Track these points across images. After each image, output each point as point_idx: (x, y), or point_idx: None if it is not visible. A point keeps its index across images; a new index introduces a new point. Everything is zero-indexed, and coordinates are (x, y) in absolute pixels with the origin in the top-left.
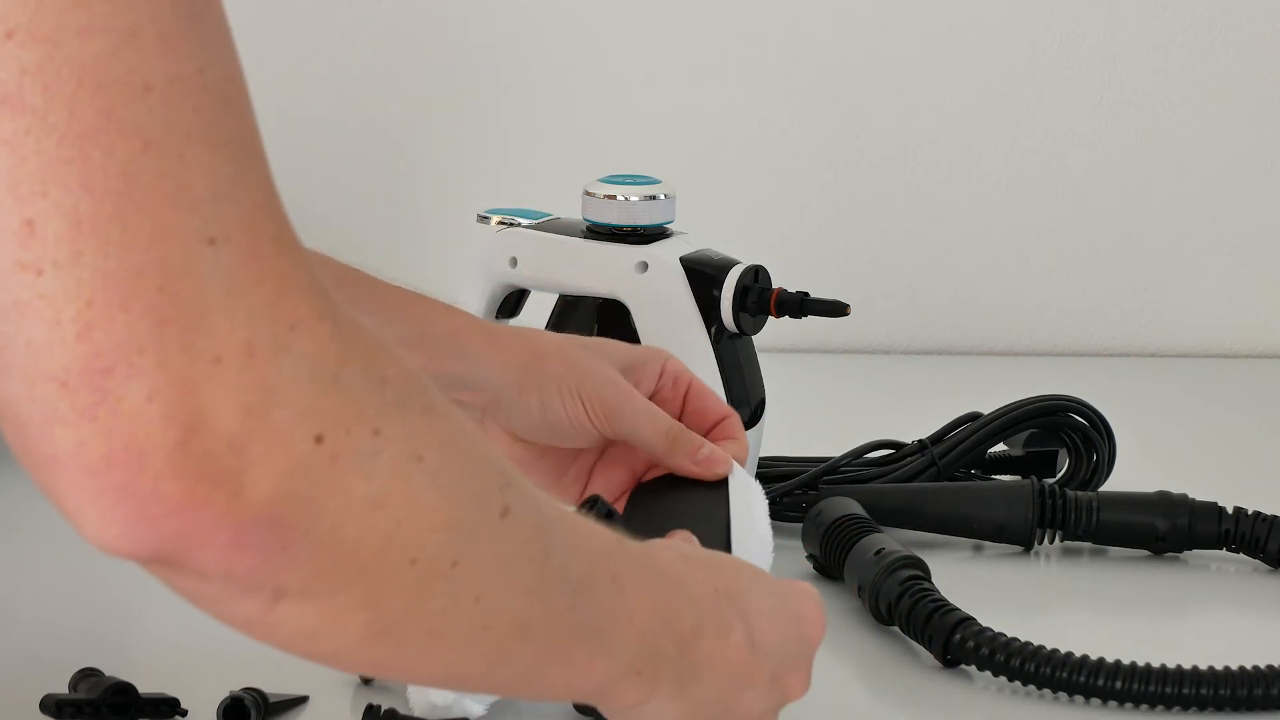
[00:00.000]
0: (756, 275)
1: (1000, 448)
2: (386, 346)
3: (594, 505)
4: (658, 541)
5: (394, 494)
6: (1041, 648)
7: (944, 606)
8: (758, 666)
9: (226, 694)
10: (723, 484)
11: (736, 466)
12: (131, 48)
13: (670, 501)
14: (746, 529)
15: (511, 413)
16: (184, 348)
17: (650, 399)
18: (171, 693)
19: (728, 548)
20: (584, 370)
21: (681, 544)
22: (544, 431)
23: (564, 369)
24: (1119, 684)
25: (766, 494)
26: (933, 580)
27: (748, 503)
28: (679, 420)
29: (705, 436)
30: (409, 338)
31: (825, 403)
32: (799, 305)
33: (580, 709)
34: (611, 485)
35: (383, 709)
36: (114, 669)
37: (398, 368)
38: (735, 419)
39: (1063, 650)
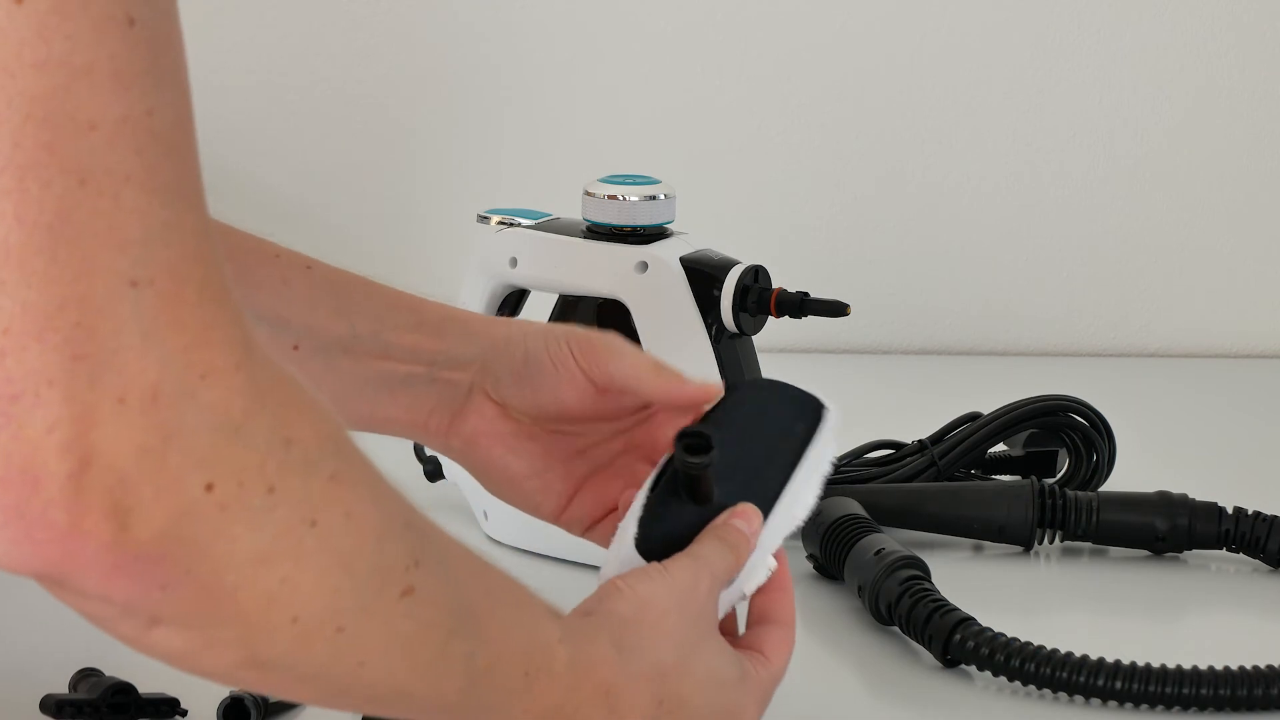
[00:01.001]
0: (756, 275)
1: (1000, 448)
2: (307, 406)
3: (694, 435)
4: (631, 625)
5: (281, 552)
6: (1041, 648)
7: (944, 606)
8: None
9: (226, 694)
10: (815, 425)
11: (831, 422)
12: (84, 85)
13: (758, 417)
14: (804, 485)
15: (498, 371)
16: (91, 384)
17: None
18: (171, 693)
19: (779, 491)
20: (571, 326)
21: (672, 617)
22: (529, 386)
23: (553, 325)
24: (1119, 684)
25: None
26: (933, 580)
27: (820, 458)
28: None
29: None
30: (406, 323)
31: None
32: (799, 305)
33: None
34: (602, 500)
35: None
36: (114, 669)
37: (312, 430)
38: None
39: (1063, 650)
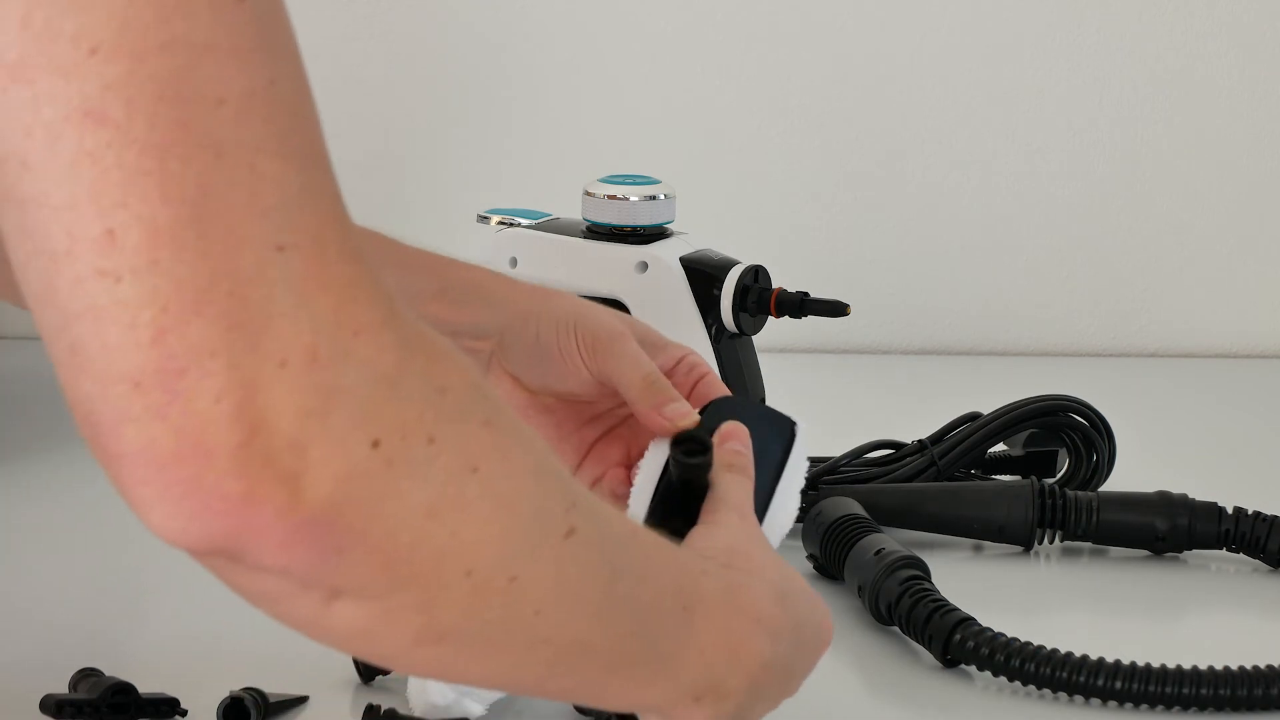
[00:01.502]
0: (756, 275)
1: (1000, 448)
2: (450, 355)
3: (691, 440)
4: (750, 562)
5: (448, 503)
6: (1041, 648)
7: (944, 606)
8: (789, 672)
9: (226, 694)
10: (790, 441)
11: (803, 434)
12: (208, 63)
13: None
14: (786, 495)
15: (512, 347)
16: (251, 351)
17: None
18: (171, 693)
19: (766, 503)
20: (585, 309)
21: (771, 571)
22: (538, 367)
23: (568, 305)
24: (1119, 684)
25: None
26: (933, 580)
27: (796, 472)
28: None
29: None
30: (429, 290)
31: (825, 403)
32: (799, 305)
33: (580, 710)
34: (605, 461)
35: (383, 709)
36: (114, 669)
37: (460, 377)
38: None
39: (1063, 650)
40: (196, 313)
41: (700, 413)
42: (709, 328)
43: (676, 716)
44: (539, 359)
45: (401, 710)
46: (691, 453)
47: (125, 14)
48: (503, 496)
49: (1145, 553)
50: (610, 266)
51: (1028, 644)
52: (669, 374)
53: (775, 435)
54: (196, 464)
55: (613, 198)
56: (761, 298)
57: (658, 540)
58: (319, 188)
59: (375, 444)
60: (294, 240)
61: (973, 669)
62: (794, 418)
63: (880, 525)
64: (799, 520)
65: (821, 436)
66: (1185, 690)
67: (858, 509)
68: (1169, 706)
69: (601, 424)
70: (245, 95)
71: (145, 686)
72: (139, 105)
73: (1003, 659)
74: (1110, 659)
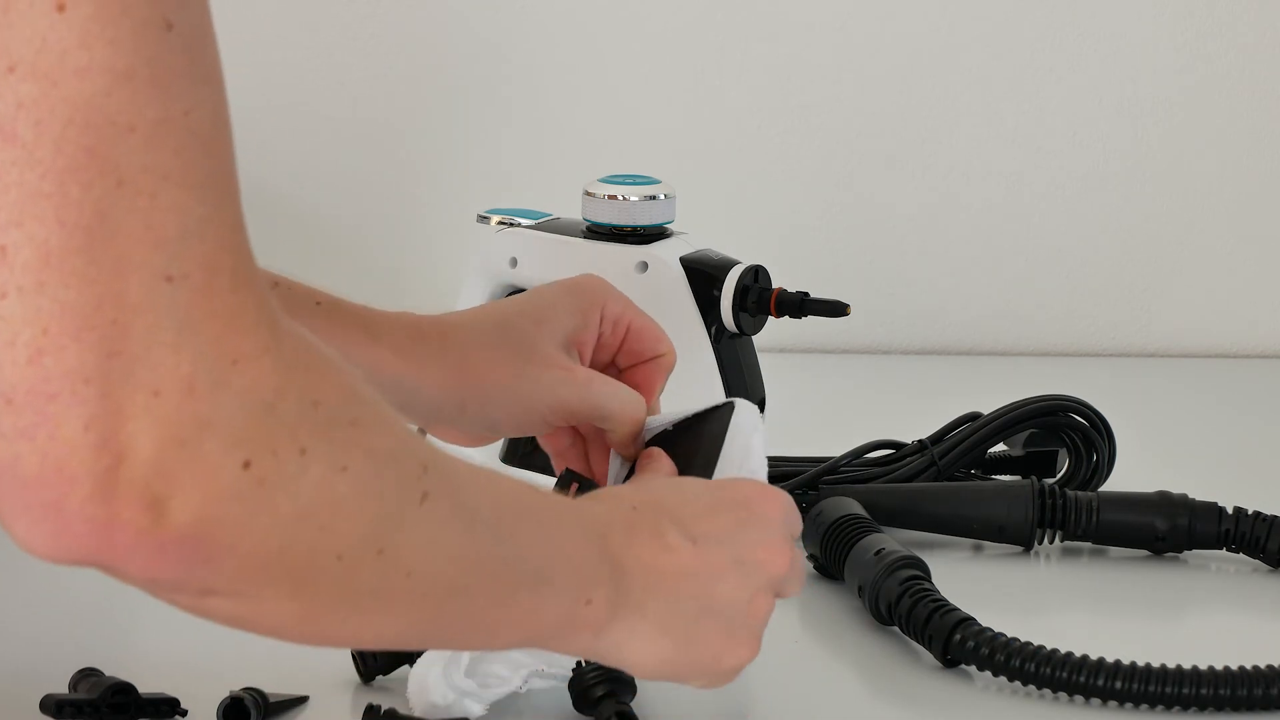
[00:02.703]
0: (756, 275)
1: (1000, 448)
2: (326, 366)
3: (571, 480)
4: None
5: (320, 505)
6: (1041, 648)
7: (944, 606)
8: (712, 557)
9: (226, 694)
10: (725, 423)
11: (743, 406)
12: (125, 90)
13: (681, 440)
14: (733, 468)
15: (456, 423)
16: (125, 380)
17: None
18: (171, 693)
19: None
20: (525, 389)
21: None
22: (491, 436)
23: (506, 387)
24: (1119, 684)
25: None
26: (933, 580)
27: (746, 446)
28: (614, 356)
29: (636, 369)
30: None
31: (825, 403)
32: (799, 305)
33: (580, 710)
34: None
35: (383, 709)
36: (114, 669)
37: (332, 386)
38: (665, 361)
39: (1063, 650)
40: (76, 338)
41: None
42: (709, 328)
43: (583, 631)
44: (483, 424)
45: (401, 710)
46: (563, 484)
47: (46, 36)
48: (368, 484)
49: (1145, 553)
50: (610, 266)
51: (1028, 644)
52: (598, 341)
53: (720, 419)
54: (59, 488)
55: (613, 198)
56: (761, 298)
57: (497, 474)
58: (220, 218)
59: (246, 465)
60: (185, 270)
61: (973, 669)
62: (735, 399)
63: (880, 525)
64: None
65: (821, 436)
66: (1185, 690)
67: (858, 509)
68: (1169, 706)
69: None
70: (157, 123)
71: (145, 686)
72: (47, 127)
73: (1003, 659)
74: (1110, 659)
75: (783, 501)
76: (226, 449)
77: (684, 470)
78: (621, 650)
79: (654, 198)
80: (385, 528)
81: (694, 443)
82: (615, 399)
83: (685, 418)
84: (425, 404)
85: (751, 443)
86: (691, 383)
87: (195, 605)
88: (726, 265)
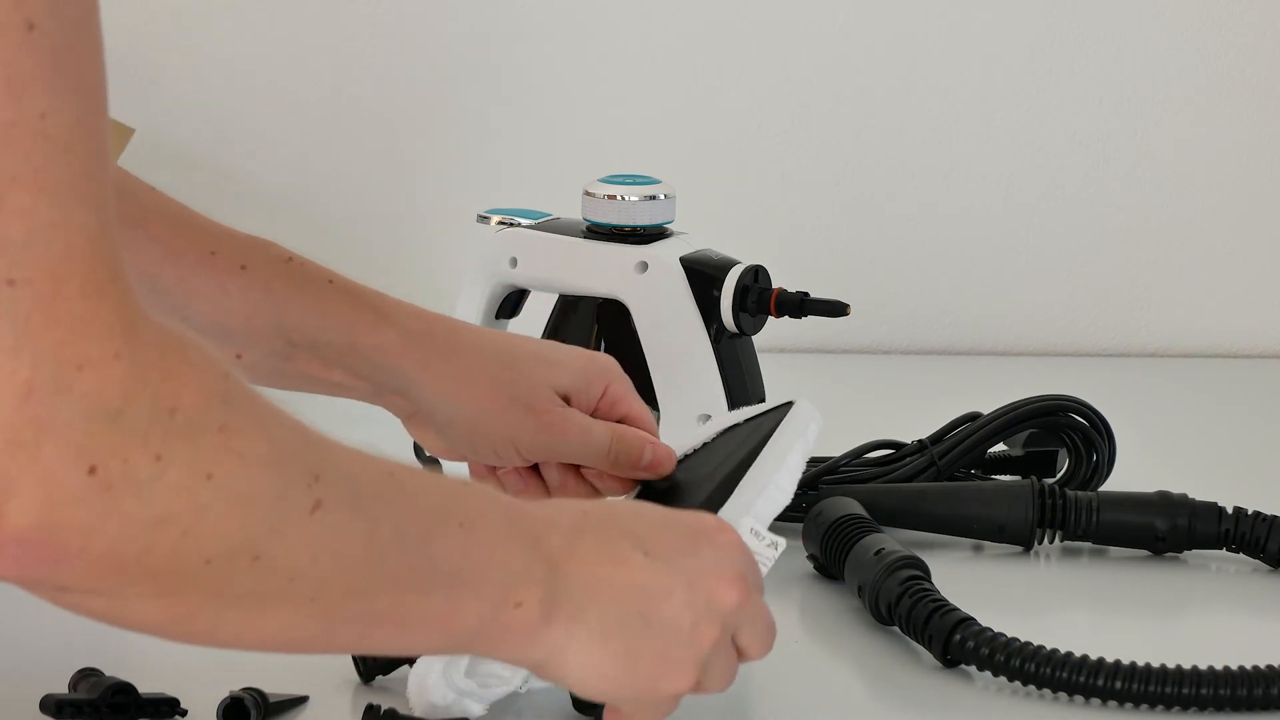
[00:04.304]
0: (756, 275)
1: (1000, 448)
2: (188, 372)
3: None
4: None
5: (178, 511)
6: (1041, 648)
7: (944, 606)
8: (662, 574)
9: (226, 694)
10: (774, 426)
11: (801, 412)
12: None
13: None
14: (771, 465)
15: (441, 435)
16: None
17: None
18: (171, 693)
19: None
20: (516, 419)
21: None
22: (461, 445)
23: (498, 417)
24: (1119, 684)
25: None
26: (933, 580)
27: (789, 441)
28: None
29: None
30: (339, 344)
31: (825, 403)
32: (799, 305)
33: (579, 709)
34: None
35: (383, 709)
36: (114, 669)
37: (195, 391)
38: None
39: (1063, 650)
40: None
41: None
42: (709, 328)
43: (514, 633)
44: (473, 452)
45: (401, 710)
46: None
47: None
48: (239, 493)
49: (1145, 553)
50: (610, 266)
51: (1028, 644)
52: (597, 408)
53: (768, 419)
54: None
55: (613, 198)
56: (761, 298)
57: (420, 475)
58: (72, 223)
59: (91, 470)
60: (28, 275)
61: (973, 669)
62: (796, 400)
63: (880, 525)
64: (799, 520)
65: (822, 436)
66: (1185, 690)
67: (858, 509)
68: (1169, 706)
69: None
70: (7, 126)
71: (145, 686)
72: None
73: (1003, 659)
74: (1110, 659)
75: (736, 539)
76: (67, 454)
77: (720, 464)
78: (558, 659)
79: (654, 198)
80: (260, 534)
81: (744, 436)
82: (582, 434)
83: (749, 417)
84: (419, 400)
85: (796, 437)
86: (692, 383)
87: (58, 600)
88: (726, 265)
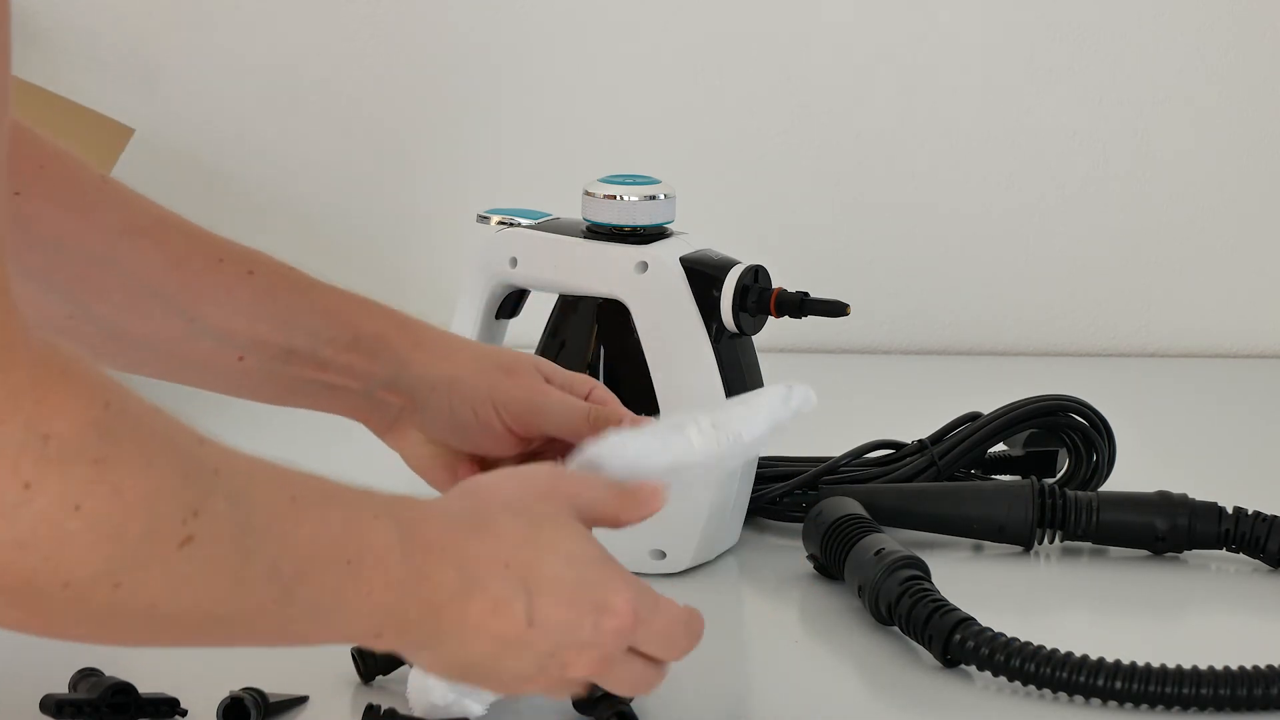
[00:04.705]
0: (756, 275)
1: (1000, 448)
2: (70, 397)
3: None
4: (488, 498)
5: (42, 537)
6: (1041, 648)
7: (944, 606)
8: (534, 640)
9: (226, 694)
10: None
11: (794, 390)
12: None
13: None
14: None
15: (424, 414)
16: None
17: None
18: (171, 693)
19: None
20: (495, 377)
21: (514, 500)
22: (455, 435)
23: (479, 376)
24: (1119, 684)
25: (767, 494)
26: (933, 580)
27: (759, 395)
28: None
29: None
30: (342, 339)
31: (825, 403)
32: (799, 305)
33: (579, 709)
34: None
35: (383, 709)
36: (114, 669)
37: (71, 421)
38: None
39: (1063, 650)
40: None
41: None
42: (709, 328)
43: (364, 644)
44: (454, 427)
45: (401, 710)
46: None
47: None
48: (107, 526)
49: (1145, 553)
50: (610, 266)
51: (1028, 644)
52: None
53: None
54: None
55: (612, 198)
56: (761, 298)
57: (330, 494)
58: None
59: None
60: None
61: (973, 669)
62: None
63: (880, 525)
64: (799, 520)
65: (821, 436)
66: (1185, 690)
67: (858, 509)
68: (1169, 706)
69: (491, 463)
70: None
71: (145, 686)
72: None
73: (1003, 659)
74: (1110, 659)
75: (631, 619)
76: None
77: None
78: (407, 656)
79: (654, 198)
80: (123, 566)
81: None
82: (561, 403)
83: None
84: (409, 384)
85: (762, 405)
86: (691, 383)
87: None
88: (726, 265)
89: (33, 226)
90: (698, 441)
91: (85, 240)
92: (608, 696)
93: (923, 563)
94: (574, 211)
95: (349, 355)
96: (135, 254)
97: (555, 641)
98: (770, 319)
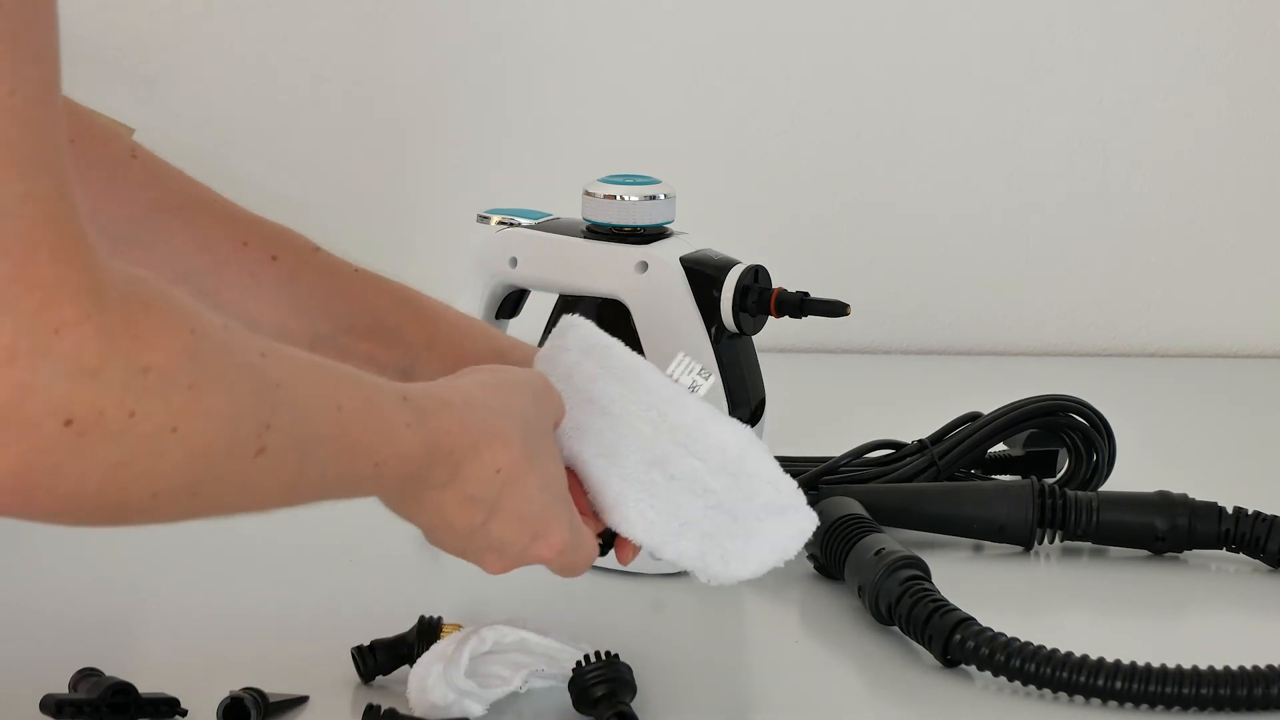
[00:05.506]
0: (756, 275)
1: (1000, 448)
2: (159, 332)
3: None
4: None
5: (141, 458)
6: (1041, 648)
7: (944, 606)
8: (476, 536)
9: (226, 694)
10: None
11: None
12: None
13: None
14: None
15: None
16: None
17: None
18: (171, 693)
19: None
20: (493, 339)
21: (529, 411)
22: None
23: (472, 351)
24: (1119, 684)
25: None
26: (933, 580)
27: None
28: None
29: None
30: (362, 326)
31: (825, 403)
32: (799, 305)
33: (579, 709)
34: None
35: (383, 709)
36: (114, 669)
37: (166, 354)
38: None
39: (1063, 650)
40: None
41: None
42: (709, 328)
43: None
44: None
45: (401, 710)
46: None
47: None
48: (196, 445)
49: (1145, 553)
50: (610, 266)
51: (1028, 644)
52: None
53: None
54: None
55: (613, 198)
56: (761, 298)
57: (371, 400)
58: (43, 193)
59: (68, 423)
60: (5, 245)
61: (973, 669)
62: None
63: (880, 525)
64: None
65: (821, 436)
66: (1185, 690)
67: (858, 509)
68: (1169, 706)
69: None
70: None
71: (145, 686)
72: None
73: (1003, 659)
74: (1110, 659)
75: (558, 551)
76: (48, 409)
77: None
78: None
79: (654, 198)
80: (206, 479)
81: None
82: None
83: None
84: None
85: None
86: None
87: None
88: (726, 265)
89: None
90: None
91: (114, 218)
92: (608, 696)
93: (923, 563)
94: (574, 211)
95: (368, 344)
96: (163, 234)
97: (489, 544)
98: (770, 319)
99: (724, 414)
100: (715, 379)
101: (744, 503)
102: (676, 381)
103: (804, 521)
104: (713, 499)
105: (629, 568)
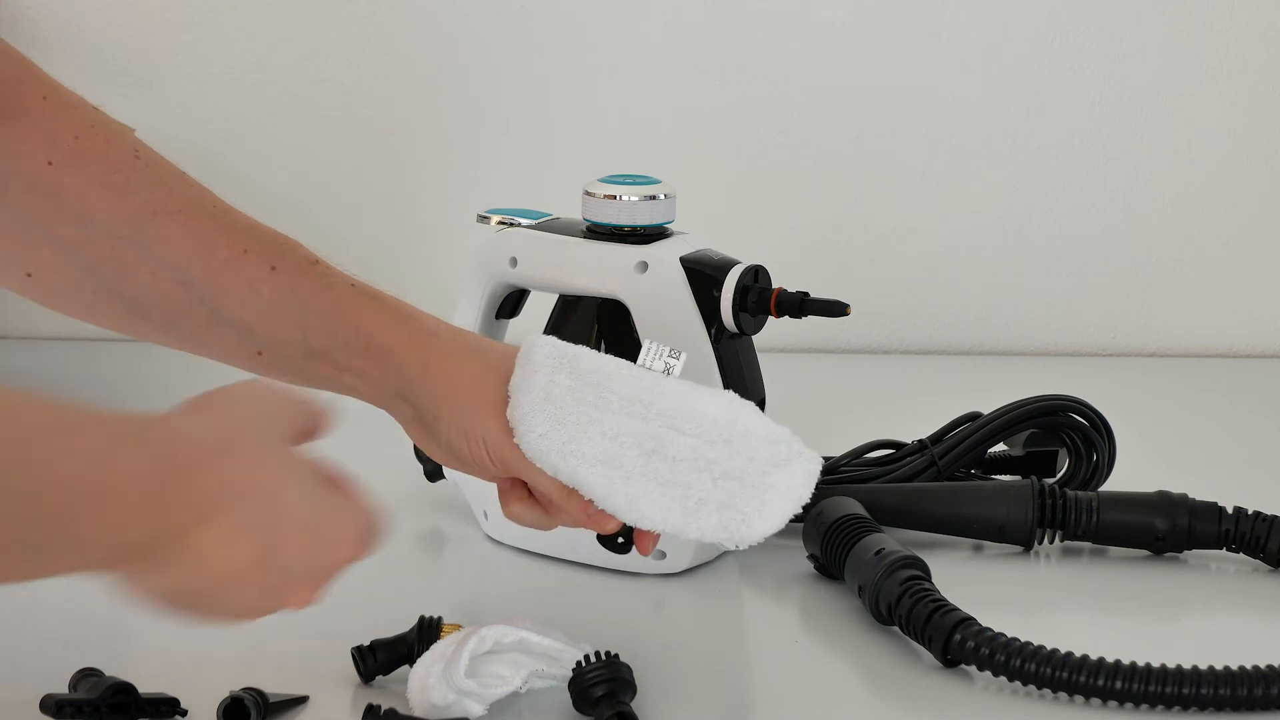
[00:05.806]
0: (756, 275)
1: (1000, 448)
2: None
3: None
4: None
5: None
6: (1041, 648)
7: (944, 606)
8: (261, 575)
9: (226, 694)
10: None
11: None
12: None
13: None
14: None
15: (426, 437)
16: None
17: None
18: (171, 693)
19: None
20: (488, 421)
21: (264, 420)
22: (451, 459)
23: (472, 417)
24: (1119, 684)
25: None
26: (933, 580)
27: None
28: None
29: None
30: (356, 343)
31: (825, 403)
32: (799, 305)
33: (579, 709)
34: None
35: (383, 709)
36: (114, 669)
37: None
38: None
39: (1063, 650)
40: None
41: None
42: (709, 328)
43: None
44: (450, 454)
45: (401, 710)
46: None
47: None
48: None
49: (1145, 553)
50: (610, 266)
51: (1028, 644)
52: None
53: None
54: None
55: (612, 198)
56: (761, 298)
57: (73, 437)
58: None
59: None
60: None
61: (973, 669)
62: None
63: (880, 525)
64: (799, 520)
65: (821, 436)
66: (1185, 690)
67: (858, 509)
68: (1169, 706)
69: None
70: None
71: (145, 686)
72: None
73: (1003, 659)
74: (1110, 659)
75: (357, 549)
76: None
77: None
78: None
79: (654, 198)
80: None
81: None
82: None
83: None
84: (417, 401)
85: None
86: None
87: None
88: (726, 265)
89: (64, 198)
90: None
91: (115, 220)
92: (608, 696)
93: (923, 563)
94: (574, 211)
95: (363, 361)
96: (164, 238)
97: (286, 574)
98: (770, 319)
99: (703, 387)
100: (684, 356)
101: (748, 463)
102: (649, 369)
103: (809, 464)
104: (718, 469)
105: (629, 568)
